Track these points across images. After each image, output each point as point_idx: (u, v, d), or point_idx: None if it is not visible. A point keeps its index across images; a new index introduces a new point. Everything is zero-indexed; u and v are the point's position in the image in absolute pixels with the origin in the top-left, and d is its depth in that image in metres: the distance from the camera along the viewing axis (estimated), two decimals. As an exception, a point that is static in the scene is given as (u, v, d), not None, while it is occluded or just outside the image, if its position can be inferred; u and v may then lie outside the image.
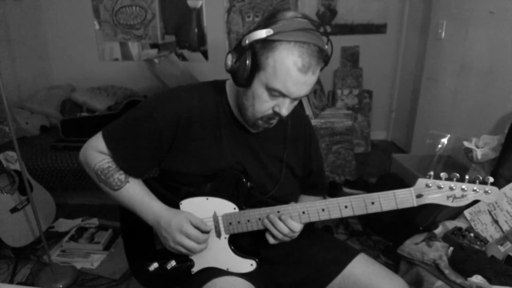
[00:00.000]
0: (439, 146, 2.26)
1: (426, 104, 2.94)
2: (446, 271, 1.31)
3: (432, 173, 0.86)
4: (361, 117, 3.82)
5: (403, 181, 2.22)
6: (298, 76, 0.84)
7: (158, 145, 0.99)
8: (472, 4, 2.32)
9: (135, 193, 1.00)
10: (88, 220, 2.45)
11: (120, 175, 1.00)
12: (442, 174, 0.85)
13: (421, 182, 0.86)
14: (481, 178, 0.84)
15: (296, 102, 0.95)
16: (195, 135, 0.99)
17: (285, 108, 0.90)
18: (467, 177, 0.84)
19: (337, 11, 3.67)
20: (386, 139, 4.14)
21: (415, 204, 0.87)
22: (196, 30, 3.68)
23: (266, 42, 0.84)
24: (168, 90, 1.05)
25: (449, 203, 0.86)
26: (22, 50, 3.36)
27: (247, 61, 0.85)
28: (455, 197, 0.85)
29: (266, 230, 0.98)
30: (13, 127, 1.80)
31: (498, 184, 1.58)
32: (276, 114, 0.92)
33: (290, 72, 0.84)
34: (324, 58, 0.88)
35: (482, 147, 1.82)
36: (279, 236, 0.95)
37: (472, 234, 1.48)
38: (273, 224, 0.94)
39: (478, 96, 2.30)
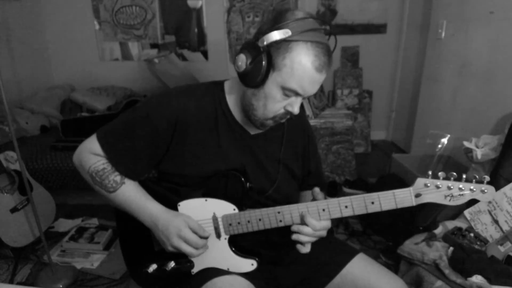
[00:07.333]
0: (439, 146, 2.26)
1: (426, 104, 2.94)
2: (446, 271, 1.31)
3: (430, 172, 0.87)
4: (361, 117, 3.82)
5: (403, 181, 2.22)
6: (314, 75, 0.85)
7: (155, 146, 0.98)
8: (472, 4, 2.32)
9: (131, 195, 0.99)
10: (88, 220, 2.45)
11: (116, 177, 0.98)
12: (440, 174, 0.86)
13: (420, 181, 0.87)
14: (477, 177, 0.85)
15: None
16: (193, 136, 0.98)
17: (297, 107, 0.91)
18: (464, 176, 0.85)
19: (337, 11, 3.67)
20: (386, 139, 4.14)
21: (414, 204, 0.88)
22: (196, 30, 3.68)
23: (282, 43, 0.84)
24: (165, 91, 1.03)
25: (446, 202, 0.87)
26: (22, 50, 3.36)
27: (263, 63, 0.85)
28: (452, 196, 0.86)
29: (267, 230, 0.97)
30: (13, 127, 1.81)
31: (498, 184, 1.59)
32: (287, 112, 0.93)
33: (307, 72, 0.85)
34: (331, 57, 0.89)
35: (482, 147, 1.82)
36: (307, 239, 0.94)
37: (472, 234, 1.49)
38: (299, 232, 0.93)
39: (478, 96, 2.30)
